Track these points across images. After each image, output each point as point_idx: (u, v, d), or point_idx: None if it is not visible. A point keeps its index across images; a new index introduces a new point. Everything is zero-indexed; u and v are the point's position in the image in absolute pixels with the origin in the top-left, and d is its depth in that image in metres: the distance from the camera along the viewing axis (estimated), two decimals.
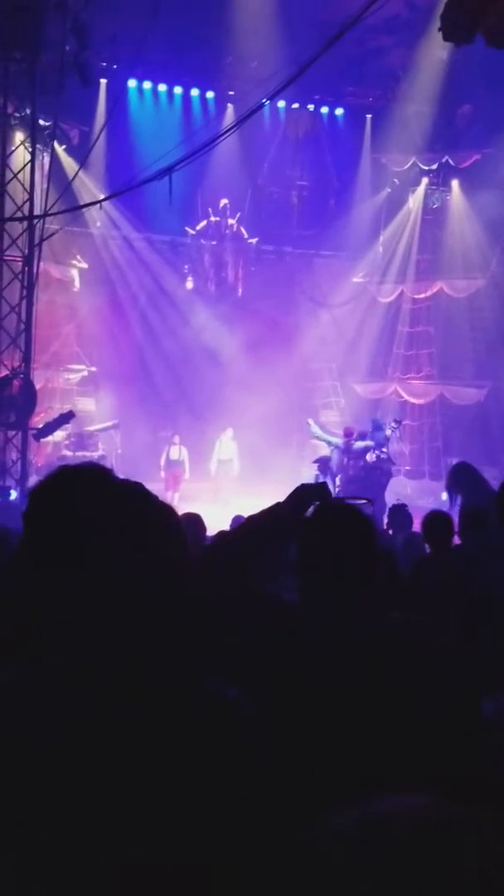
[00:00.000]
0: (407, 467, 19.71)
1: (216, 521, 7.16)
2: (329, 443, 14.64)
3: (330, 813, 0.76)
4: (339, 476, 13.80)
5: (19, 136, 13.52)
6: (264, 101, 9.99)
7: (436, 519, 5.21)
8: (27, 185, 12.53)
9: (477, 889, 0.64)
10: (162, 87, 18.70)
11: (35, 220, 12.09)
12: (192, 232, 19.47)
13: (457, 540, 5.37)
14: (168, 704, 1.28)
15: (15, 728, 1.24)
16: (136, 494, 1.46)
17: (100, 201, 11.25)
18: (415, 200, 19.82)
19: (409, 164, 19.11)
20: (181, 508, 6.36)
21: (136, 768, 1.22)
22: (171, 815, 1.20)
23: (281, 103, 18.29)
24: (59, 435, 16.22)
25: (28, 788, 1.19)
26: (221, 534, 3.90)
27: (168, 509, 1.46)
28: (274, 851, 1.12)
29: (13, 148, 13.23)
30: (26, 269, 12.32)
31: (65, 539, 1.39)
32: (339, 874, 0.65)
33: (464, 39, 6.97)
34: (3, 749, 1.22)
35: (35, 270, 12.34)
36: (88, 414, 18.90)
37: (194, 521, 5.02)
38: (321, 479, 11.21)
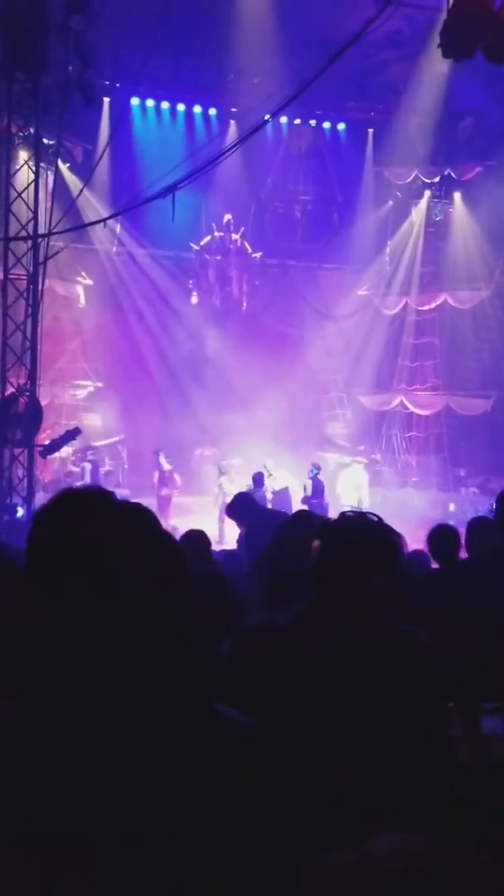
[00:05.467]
0: (414, 479, 19.70)
1: None
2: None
3: (327, 849, 0.76)
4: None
5: (23, 156, 13.60)
6: (266, 118, 10.05)
7: (442, 533, 5.19)
8: (31, 204, 12.58)
9: None
10: (165, 105, 18.85)
11: (39, 239, 12.13)
12: (196, 247, 19.56)
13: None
14: (185, 731, 1.28)
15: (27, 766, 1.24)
16: (140, 520, 1.47)
17: (104, 220, 11.30)
18: (417, 213, 19.89)
19: (411, 178, 19.20)
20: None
21: (151, 796, 1.22)
22: (186, 843, 1.20)
23: (283, 119, 18.41)
24: (65, 451, 16.23)
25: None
26: None
27: (169, 536, 1.46)
28: (273, 884, 1.12)
29: (17, 167, 13.29)
30: (31, 287, 12.36)
31: (67, 564, 1.39)
32: None
33: (463, 55, 7.00)
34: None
35: (40, 289, 12.38)
36: (95, 429, 18.94)
37: (198, 537, 5.01)
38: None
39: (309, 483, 14.26)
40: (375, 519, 2.23)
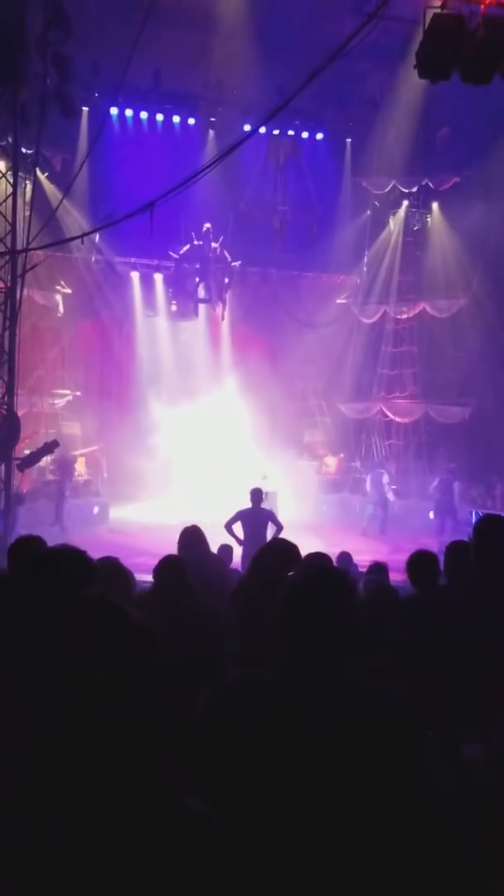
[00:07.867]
0: (394, 486, 19.75)
1: None
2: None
3: None
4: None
5: (1, 166, 13.52)
6: (246, 130, 10.04)
7: (420, 559, 5.20)
8: (9, 217, 12.49)
9: None
10: (144, 115, 18.82)
11: (17, 254, 12.06)
12: (175, 256, 19.52)
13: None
14: (137, 824, 1.28)
15: None
16: (109, 615, 1.47)
17: (82, 236, 11.25)
18: (396, 223, 19.98)
19: (389, 187, 19.28)
20: None
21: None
22: None
23: (262, 129, 18.40)
24: (44, 459, 16.13)
25: None
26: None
27: (139, 630, 1.46)
28: None
29: None
30: (9, 300, 12.26)
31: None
32: None
33: (440, 76, 7.05)
34: None
35: (18, 301, 12.30)
36: (74, 438, 18.86)
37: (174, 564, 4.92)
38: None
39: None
40: (340, 572, 2.26)
